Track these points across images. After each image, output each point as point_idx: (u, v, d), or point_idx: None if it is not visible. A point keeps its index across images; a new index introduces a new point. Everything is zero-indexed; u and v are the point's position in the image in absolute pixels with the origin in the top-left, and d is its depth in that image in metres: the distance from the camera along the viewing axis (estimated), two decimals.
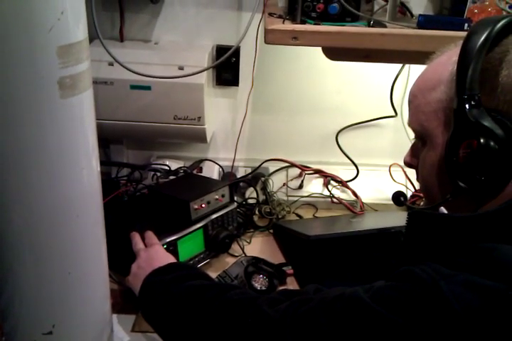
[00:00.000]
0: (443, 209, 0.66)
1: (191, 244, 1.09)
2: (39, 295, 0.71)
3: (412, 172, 1.15)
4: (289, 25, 1.03)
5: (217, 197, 1.15)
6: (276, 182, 1.41)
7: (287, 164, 1.44)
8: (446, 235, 0.62)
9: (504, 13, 1.02)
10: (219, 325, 0.69)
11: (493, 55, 0.61)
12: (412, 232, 0.68)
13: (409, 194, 1.41)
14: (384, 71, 1.38)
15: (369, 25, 1.05)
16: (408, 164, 0.77)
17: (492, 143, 0.58)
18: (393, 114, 1.42)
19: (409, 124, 0.72)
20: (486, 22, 0.62)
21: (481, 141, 0.58)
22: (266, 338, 0.62)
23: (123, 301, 1.00)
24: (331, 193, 1.41)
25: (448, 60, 0.66)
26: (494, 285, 0.51)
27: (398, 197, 0.83)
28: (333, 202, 1.41)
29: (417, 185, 1.40)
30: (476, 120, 0.59)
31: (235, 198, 1.27)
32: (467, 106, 0.60)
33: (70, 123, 0.64)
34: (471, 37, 0.61)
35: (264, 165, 1.43)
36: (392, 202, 0.96)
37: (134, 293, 0.89)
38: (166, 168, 1.37)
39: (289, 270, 1.12)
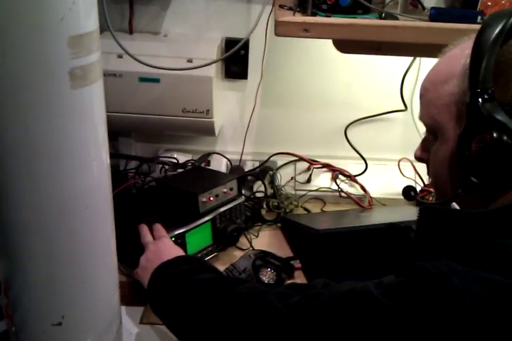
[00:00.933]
0: (454, 205, 0.65)
1: (199, 236, 1.10)
2: (48, 286, 0.71)
3: (421, 167, 1.15)
4: (299, 18, 1.02)
5: (225, 190, 1.15)
6: (284, 176, 1.41)
7: (295, 158, 1.44)
8: (458, 231, 0.61)
9: None
10: (228, 318, 0.68)
11: (507, 48, 0.60)
12: (424, 228, 0.68)
13: (418, 189, 1.40)
14: (394, 64, 1.36)
15: (380, 18, 1.04)
16: (419, 158, 0.77)
17: (505, 138, 0.58)
18: (403, 108, 1.41)
19: (421, 118, 0.72)
20: (500, 15, 0.61)
21: (494, 135, 0.58)
22: (276, 332, 0.62)
23: (131, 293, 1.00)
24: (339, 187, 1.41)
25: (461, 53, 0.65)
26: (508, 282, 0.51)
27: (409, 192, 0.82)
28: (341, 196, 1.40)
29: (427, 180, 1.39)
30: (489, 114, 0.59)
31: (243, 192, 1.27)
32: (480, 99, 0.59)
33: (80, 114, 0.64)
34: (485, 30, 0.60)
35: (272, 158, 1.43)
36: (400, 197, 0.96)
37: (142, 285, 0.89)
38: (174, 161, 1.37)
39: (296, 264, 1.11)
